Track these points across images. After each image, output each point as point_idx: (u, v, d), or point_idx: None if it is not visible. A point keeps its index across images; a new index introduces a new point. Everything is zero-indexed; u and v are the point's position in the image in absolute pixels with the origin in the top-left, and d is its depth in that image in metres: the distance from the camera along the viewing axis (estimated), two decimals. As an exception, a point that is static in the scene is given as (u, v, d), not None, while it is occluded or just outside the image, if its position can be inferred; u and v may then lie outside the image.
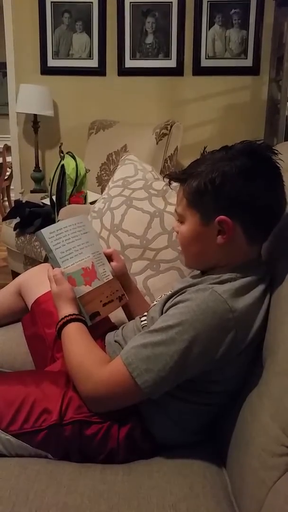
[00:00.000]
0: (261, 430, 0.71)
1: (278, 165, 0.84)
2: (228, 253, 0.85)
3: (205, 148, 0.91)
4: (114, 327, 1.15)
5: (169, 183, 0.95)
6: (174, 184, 0.95)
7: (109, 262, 1.09)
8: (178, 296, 0.85)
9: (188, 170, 0.88)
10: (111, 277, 1.06)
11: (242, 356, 0.81)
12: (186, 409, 0.85)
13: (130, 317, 1.15)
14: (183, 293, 0.84)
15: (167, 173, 0.95)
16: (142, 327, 0.97)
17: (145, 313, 1.01)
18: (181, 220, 0.90)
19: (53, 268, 0.98)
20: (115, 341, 1.02)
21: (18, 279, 1.32)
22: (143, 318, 1.00)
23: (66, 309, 0.94)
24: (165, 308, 0.87)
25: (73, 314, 0.93)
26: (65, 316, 0.92)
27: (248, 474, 0.71)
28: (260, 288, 0.82)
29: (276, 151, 0.84)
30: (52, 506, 0.70)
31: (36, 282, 1.24)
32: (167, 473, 0.79)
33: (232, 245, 0.84)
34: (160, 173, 2.19)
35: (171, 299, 0.87)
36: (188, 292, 0.82)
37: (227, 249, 0.85)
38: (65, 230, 1.01)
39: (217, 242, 0.84)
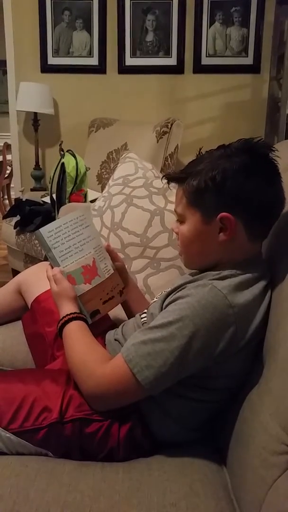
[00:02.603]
0: (261, 429, 0.71)
1: (275, 162, 0.84)
2: (229, 250, 0.85)
3: (200, 149, 0.91)
4: (114, 325, 1.15)
5: (168, 184, 0.95)
6: (173, 184, 0.95)
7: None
8: (177, 292, 0.85)
9: (187, 169, 0.88)
10: (112, 271, 1.05)
11: (242, 353, 0.81)
12: (186, 406, 0.85)
13: (130, 314, 1.15)
14: (182, 289, 0.84)
15: (165, 173, 0.95)
16: (142, 324, 0.97)
17: (145, 310, 1.01)
18: (181, 220, 0.90)
19: (52, 268, 0.98)
20: (115, 339, 1.03)
21: (17, 277, 1.32)
22: (143, 315, 1.00)
23: (67, 308, 0.93)
24: (164, 304, 0.87)
25: (74, 313, 0.93)
26: (66, 315, 0.92)
27: (248, 472, 0.71)
28: (260, 285, 0.82)
29: (273, 148, 0.85)
30: (52, 504, 0.71)
31: (36, 280, 1.23)
32: (167, 471, 0.79)
33: (234, 242, 0.84)
34: (160, 171, 2.19)
35: (171, 295, 0.87)
36: (188, 288, 0.82)
37: (228, 247, 0.85)
38: (65, 226, 0.99)
39: (219, 239, 0.84)
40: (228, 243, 0.84)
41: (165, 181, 0.94)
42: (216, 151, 0.86)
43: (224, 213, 0.82)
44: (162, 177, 0.95)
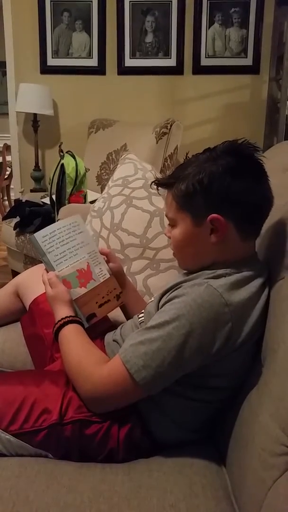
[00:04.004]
0: (261, 430, 0.71)
1: (261, 161, 0.85)
2: (222, 251, 0.85)
3: (187, 153, 0.92)
4: (113, 327, 1.14)
5: (157, 189, 0.96)
6: (162, 190, 0.96)
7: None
8: (173, 291, 0.85)
9: (175, 174, 0.89)
10: (108, 276, 1.06)
11: (240, 351, 0.81)
12: (185, 406, 0.85)
13: (128, 316, 1.15)
14: (178, 288, 0.85)
15: (153, 180, 0.96)
16: (140, 324, 0.97)
17: (143, 311, 1.01)
18: (172, 224, 0.91)
19: (48, 272, 0.98)
20: (114, 340, 1.03)
21: (16, 279, 1.33)
22: (140, 315, 1.00)
23: (63, 311, 0.94)
24: (160, 303, 0.87)
25: (70, 316, 0.93)
26: (62, 319, 0.92)
27: (248, 473, 0.71)
28: (256, 283, 0.83)
29: (257, 148, 0.86)
30: (52, 506, 0.71)
31: (34, 282, 1.23)
32: (166, 472, 0.79)
33: (226, 243, 0.84)
34: (160, 172, 2.19)
35: (167, 294, 0.87)
36: (184, 287, 0.83)
37: (221, 248, 0.85)
38: (59, 231, 1.00)
39: (211, 241, 0.84)
40: (220, 244, 0.84)
41: (153, 189, 0.95)
42: (202, 155, 0.87)
43: (213, 215, 0.82)
44: (151, 183, 0.96)
